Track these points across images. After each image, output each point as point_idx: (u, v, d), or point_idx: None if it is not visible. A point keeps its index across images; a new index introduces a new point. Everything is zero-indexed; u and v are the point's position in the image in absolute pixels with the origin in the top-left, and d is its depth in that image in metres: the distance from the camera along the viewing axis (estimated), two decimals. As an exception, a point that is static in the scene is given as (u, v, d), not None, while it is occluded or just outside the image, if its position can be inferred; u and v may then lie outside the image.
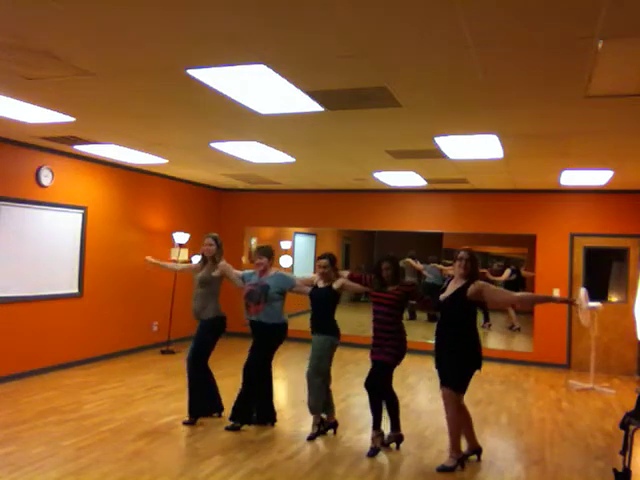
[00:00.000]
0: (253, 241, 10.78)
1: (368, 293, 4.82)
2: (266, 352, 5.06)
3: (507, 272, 11.48)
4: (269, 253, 5.20)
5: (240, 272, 5.34)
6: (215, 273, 5.15)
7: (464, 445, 4.50)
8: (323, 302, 4.90)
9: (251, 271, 5.25)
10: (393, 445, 4.69)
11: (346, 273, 4.99)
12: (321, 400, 4.88)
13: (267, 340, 5.03)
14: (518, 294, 4.45)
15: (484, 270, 11.48)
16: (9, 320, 6.29)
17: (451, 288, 4.43)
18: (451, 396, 4.30)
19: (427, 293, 12.65)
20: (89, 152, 6.82)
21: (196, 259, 8.98)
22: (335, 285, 4.88)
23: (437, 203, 9.13)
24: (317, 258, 5.05)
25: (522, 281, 10.96)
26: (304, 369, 5.03)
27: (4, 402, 5.51)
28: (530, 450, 4.78)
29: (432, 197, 9.12)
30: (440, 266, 12.12)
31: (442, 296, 4.46)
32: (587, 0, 2.43)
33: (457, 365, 4.28)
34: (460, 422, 4.37)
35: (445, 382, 4.33)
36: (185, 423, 5.07)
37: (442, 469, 4.27)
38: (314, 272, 5.15)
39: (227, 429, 4.92)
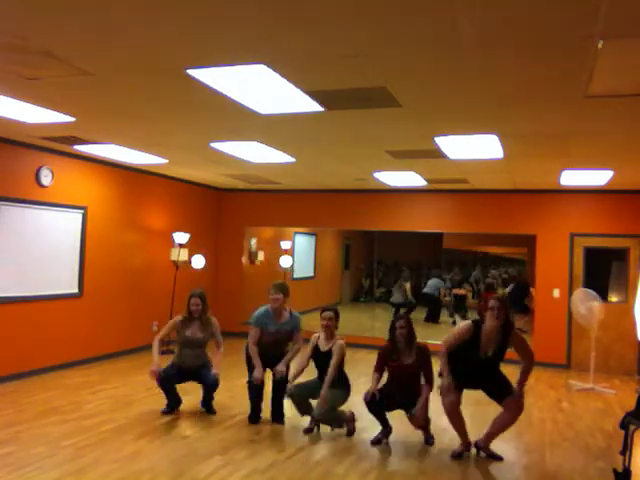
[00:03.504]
0: (253, 241, 10.78)
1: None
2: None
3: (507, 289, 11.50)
4: (285, 291, 5.28)
5: (252, 320, 5.33)
6: (208, 334, 5.42)
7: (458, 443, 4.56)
8: (328, 363, 4.94)
9: (263, 309, 5.27)
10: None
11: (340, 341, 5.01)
12: (338, 417, 5.01)
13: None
14: (530, 364, 4.60)
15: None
16: (9, 320, 6.29)
17: (489, 342, 4.47)
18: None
19: (425, 304, 12.66)
20: (89, 152, 6.82)
21: (195, 259, 9.04)
22: (322, 346, 5.00)
23: (437, 203, 9.13)
24: (321, 311, 5.11)
25: (526, 298, 10.73)
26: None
27: (4, 402, 5.50)
28: (530, 450, 4.78)
29: (432, 197, 9.12)
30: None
31: (482, 354, 4.49)
32: (587, 0, 2.43)
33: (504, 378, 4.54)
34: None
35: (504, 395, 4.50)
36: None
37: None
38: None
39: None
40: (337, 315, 5.07)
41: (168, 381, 5.32)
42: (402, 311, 11.56)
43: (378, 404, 4.76)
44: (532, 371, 4.59)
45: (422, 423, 4.74)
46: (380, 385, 4.81)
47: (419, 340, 4.86)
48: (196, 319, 5.40)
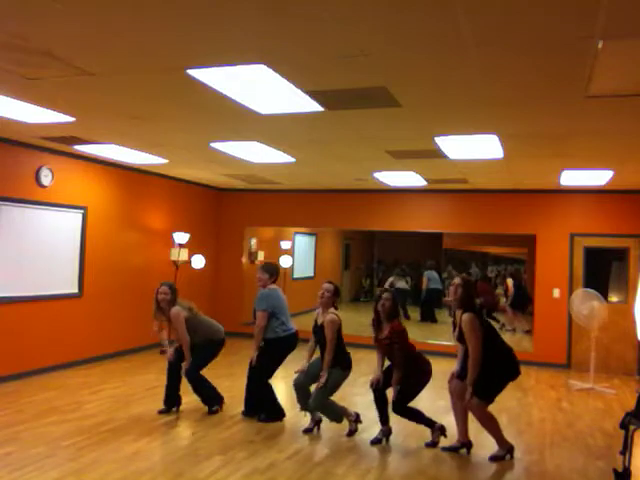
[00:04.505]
0: (253, 241, 10.78)
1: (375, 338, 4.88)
2: (262, 364, 5.18)
3: (510, 282, 11.38)
4: (270, 270, 5.28)
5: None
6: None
7: (452, 436, 4.64)
8: (324, 338, 4.85)
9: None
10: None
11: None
12: (336, 408, 4.94)
13: (264, 353, 5.17)
14: (475, 356, 4.36)
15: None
16: (9, 320, 6.29)
17: (456, 321, 4.56)
18: (478, 405, 4.42)
19: (431, 299, 12.60)
20: (89, 152, 6.81)
21: (195, 259, 9.04)
22: (319, 319, 4.92)
23: (437, 203, 9.13)
24: (322, 282, 5.07)
25: (527, 299, 10.69)
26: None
27: (4, 402, 5.50)
28: (530, 450, 4.78)
29: (432, 197, 9.11)
30: None
31: (455, 334, 4.58)
32: (587, 0, 2.43)
33: (485, 376, 4.38)
34: (492, 421, 4.53)
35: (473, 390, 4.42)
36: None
37: (493, 458, 4.48)
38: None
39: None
40: (337, 291, 4.97)
41: (175, 364, 5.37)
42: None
43: (382, 392, 4.79)
44: (475, 368, 4.32)
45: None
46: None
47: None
48: (165, 310, 5.28)
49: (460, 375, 4.59)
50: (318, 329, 4.91)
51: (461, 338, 4.49)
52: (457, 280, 4.59)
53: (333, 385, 4.84)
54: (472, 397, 4.36)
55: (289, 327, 5.23)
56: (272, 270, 5.31)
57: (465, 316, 4.40)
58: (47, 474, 3.87)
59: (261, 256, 11.15)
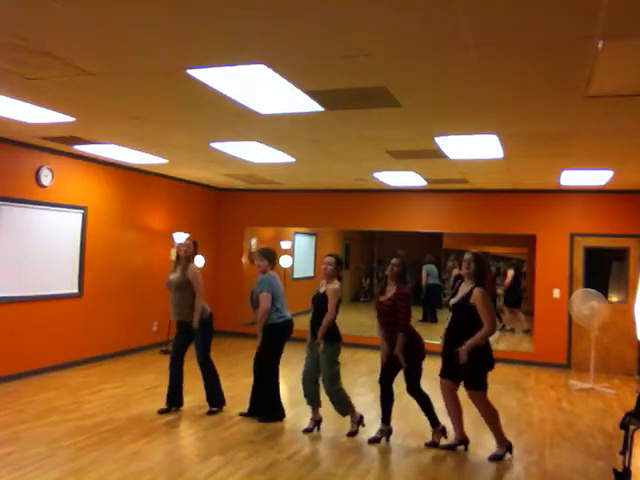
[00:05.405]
0: (253, 241, 10.78)
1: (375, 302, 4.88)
2: (261, 351, 5.19)
3: (510, 274, 11.36)
4: (269, 256, 5.27)
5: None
6: (182, 276, 5.31)
7: (451, 436, 4.65)
8: (323, 306, 4.85)
9: None
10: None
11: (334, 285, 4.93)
12: (346, 401, 4.94)
13: (261, 341, 5.16)
14: (488, 328, 4.38)
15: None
16: (9, 320, 6.29)
17: (461, 291, 4.55)
18: (478, 396, 4.43)
19: (430, 294, 12.55)
20: (89, 152, 6.82)
21: (195, 259, 9.03)
22: (322, 289, 4.92)
23: (437, 203, 9.13)
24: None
25: (519, 294, 10.79)
26: (301, 369, 5.05)
27: (4, 402, 5.51)
28: (530, 450, 4.78)
29: (432, 197, 9.12)
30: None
31: (452, 300, 4.60)
32: (587, 0, 2.43)
33: (474, 366, 4.38)
34: (494, 414, 4.51)
35: (466, 385, 4.45)
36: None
37: (493, 458, 4.46)
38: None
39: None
40: (338, 262, 5.00)
41: (177, 357, 5.47)
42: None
43: (389, 385, 4.78)
44: (483, 339, 4.33)
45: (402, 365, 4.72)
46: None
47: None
48: (183, 262, 5.35)
49: (444, 374, 4.61)
50: (319, 297, 4.91)
51: (457, 307, 4.49)
52: (468, 255, 4.54)
53: (333, 357, 4.85)
54: (466, 357, 4.32)
55: (284, 314, 5.23)
56: (270, 256, 5.31)
57: (477, 290, 4.41)
58: (47, 474, 3.87)
59: (261, 256, 11.14)
